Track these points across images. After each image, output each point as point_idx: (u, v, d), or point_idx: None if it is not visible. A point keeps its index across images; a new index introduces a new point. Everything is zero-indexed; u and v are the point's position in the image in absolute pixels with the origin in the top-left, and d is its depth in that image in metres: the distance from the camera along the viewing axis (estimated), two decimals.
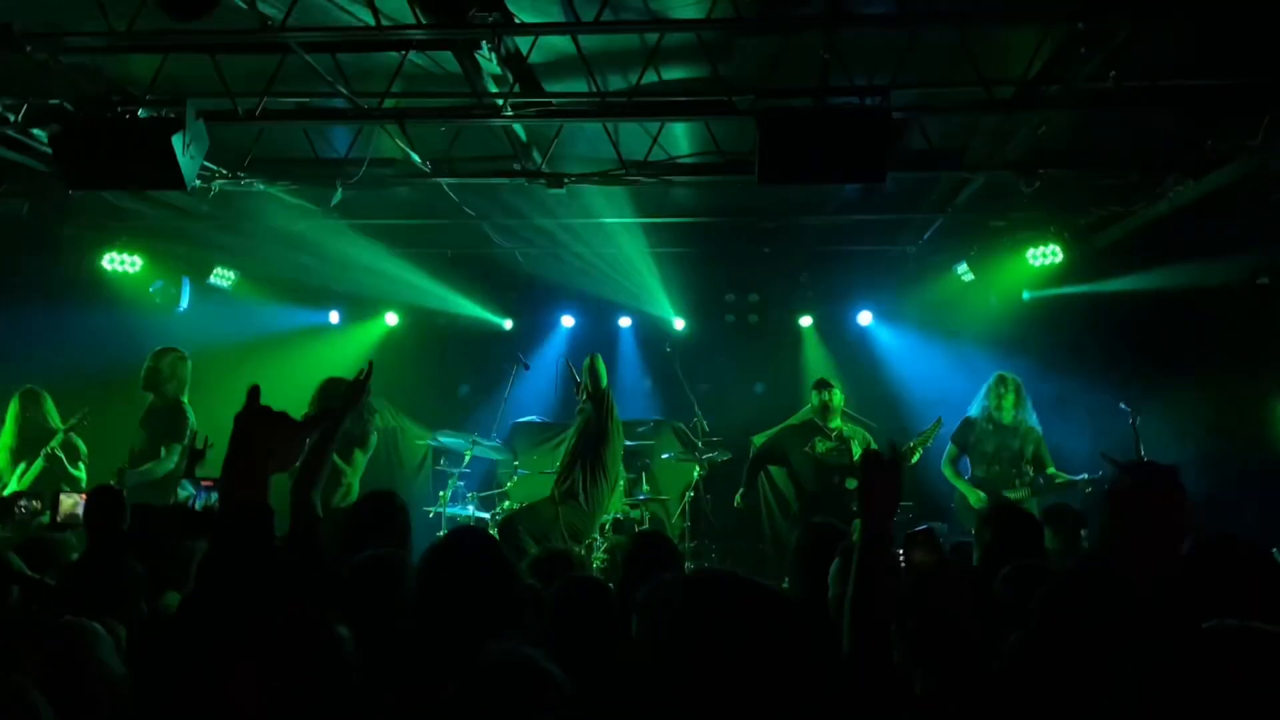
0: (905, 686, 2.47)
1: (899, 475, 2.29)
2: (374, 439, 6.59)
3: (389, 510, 3.96)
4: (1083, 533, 5.29)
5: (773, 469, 8.72)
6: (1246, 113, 6.07)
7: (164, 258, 9.22)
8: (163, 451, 6.91)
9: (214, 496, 3.49)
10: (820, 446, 7.63)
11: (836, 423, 7.68)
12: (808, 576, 3.59)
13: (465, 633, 2.42)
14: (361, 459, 6.43)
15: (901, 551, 2.56)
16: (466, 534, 2.95)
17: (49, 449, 6.95)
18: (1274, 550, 3.41)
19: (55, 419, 7.15)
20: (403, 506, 4.04)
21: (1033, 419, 7.54)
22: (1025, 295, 9.21)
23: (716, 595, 1.64)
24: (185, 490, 4.02)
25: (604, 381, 7.20)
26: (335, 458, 6.41)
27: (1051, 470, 7.41)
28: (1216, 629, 1.93)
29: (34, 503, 4.23)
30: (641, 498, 8.91)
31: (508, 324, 10.53)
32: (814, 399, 7.80)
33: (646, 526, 8.45)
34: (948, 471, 7.65)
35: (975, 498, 7.36)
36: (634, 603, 1.90)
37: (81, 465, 7.14)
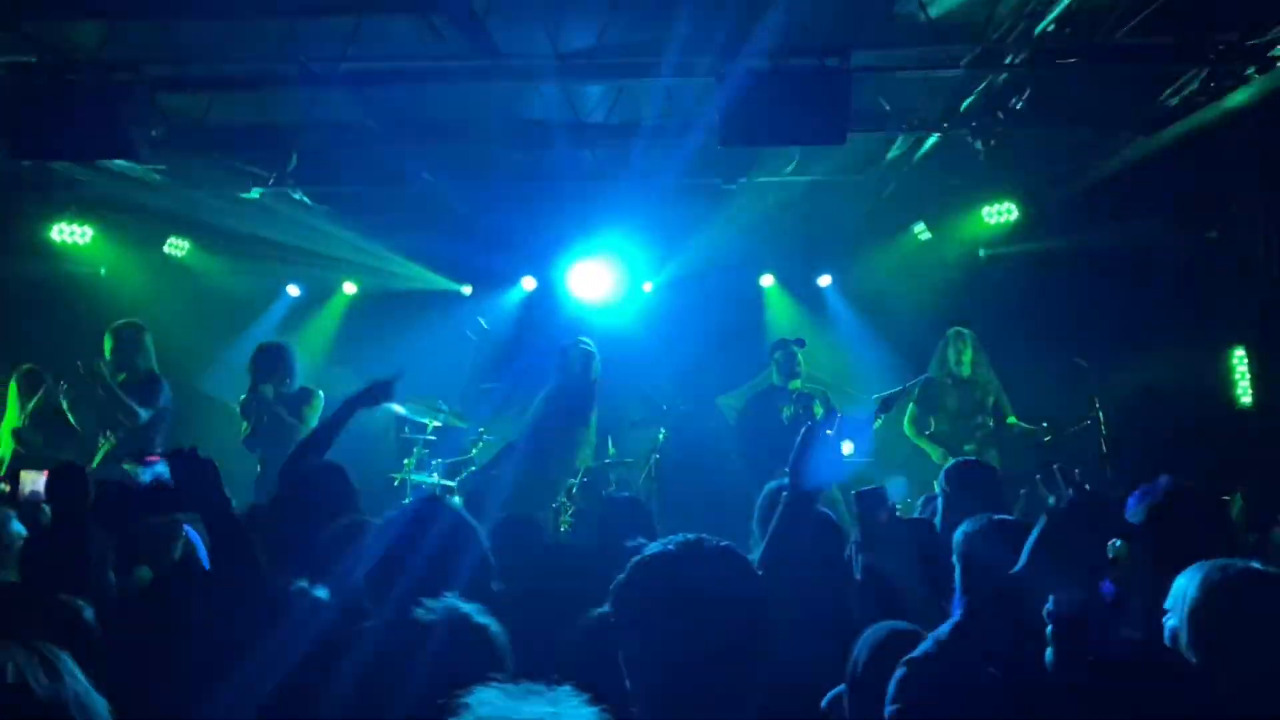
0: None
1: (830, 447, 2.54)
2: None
3: (339, 479, 3.88)
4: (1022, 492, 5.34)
5: (737, 430, 8.78)
6: (1194, 68, 6.16)
7: (115, 229, 9.03)
8: (142, 415, 6.85)
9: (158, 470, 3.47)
10: (786, 412, 7.69)
11: (795, 384, 7.75)
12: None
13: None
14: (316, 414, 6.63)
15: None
16: (426, 505, 2.99)
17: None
18: (1225, 498, 3.52)
19: (58, 399, 7.04)
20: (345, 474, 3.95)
21: (990, 371, 7.64)
22: (981, 253, 9.31)
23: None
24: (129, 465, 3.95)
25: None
26: None
27: (1011, 420, 7.53)
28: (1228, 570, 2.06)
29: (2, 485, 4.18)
30: (608, 460, 8.94)
31: (467, 289, 10.44)
32: (777, 357, 7.84)
33: (613, 489, 8.48)
34: (909, 431, 7.73)
35: (936, 454, 7.46)
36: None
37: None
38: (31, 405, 6.95)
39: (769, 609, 1.77)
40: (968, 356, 7.57)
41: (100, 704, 1.56)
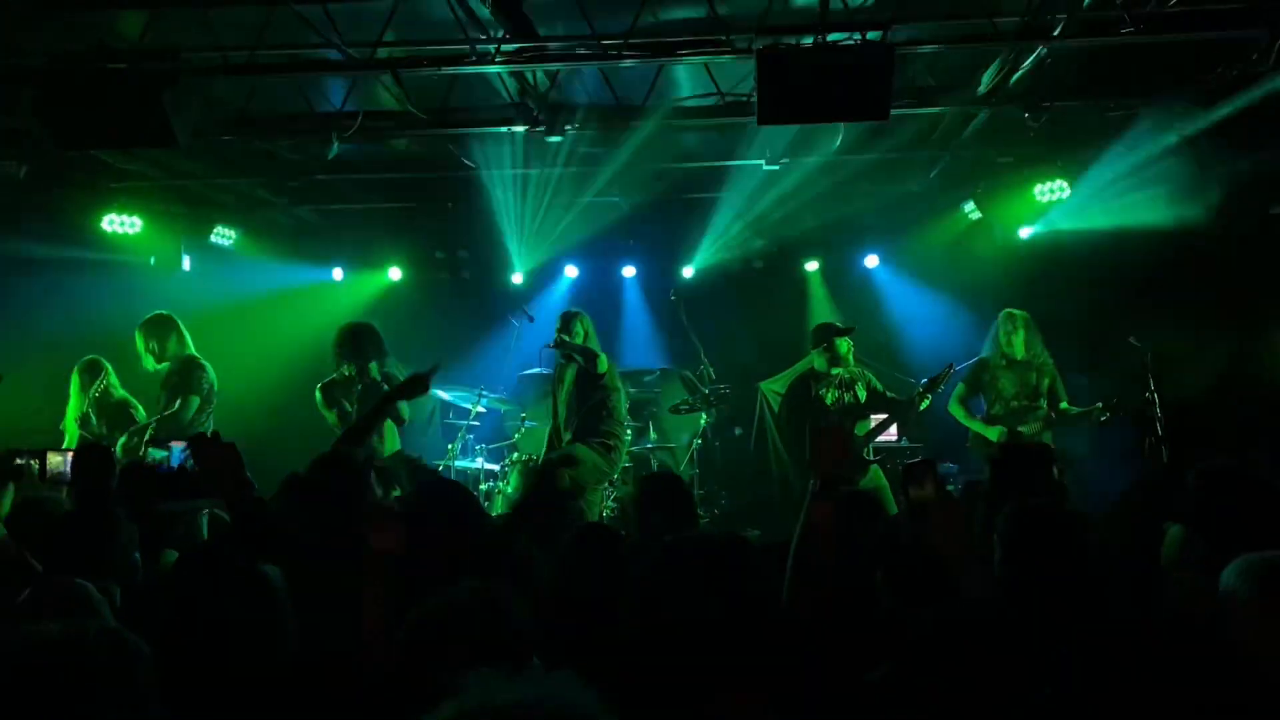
0: (894, 630, 2.47)
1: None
2: None
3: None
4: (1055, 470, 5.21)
5: (781, 415, 8.68)
6: (1258, 34, 5.92)
7: (163, 218, 9.16)
8: (178, 403, 6.89)
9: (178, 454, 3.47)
10: (830, 397, 7.57)
11: (839, 370, 7.61)
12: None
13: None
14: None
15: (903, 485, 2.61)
16: (439, 486, 2.99)
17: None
18: None
19: (118, 389, 7.14)
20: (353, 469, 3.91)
21: (1045, 353, 7.46)
22: (1031, 231, 9.09)
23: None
24: (158, 453, 3.95)
25: (580, 339, 7.18)
26: None
27: (1065, 405, 7.35)
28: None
29: (32, 461, 4.20)
30: (649, 446, 8.91)
31: (517, 277, 10.44)
32: (823, 343, 7.70)
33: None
34: (957, 411, 7.57)
35: (996, 433, 7.28)
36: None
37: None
38: (92, 391, 7.03)
39: (775, 602, 1.81)
40: (1019, 337, 7.40)
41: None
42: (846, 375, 7.60)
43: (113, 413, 7.03)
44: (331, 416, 6.70)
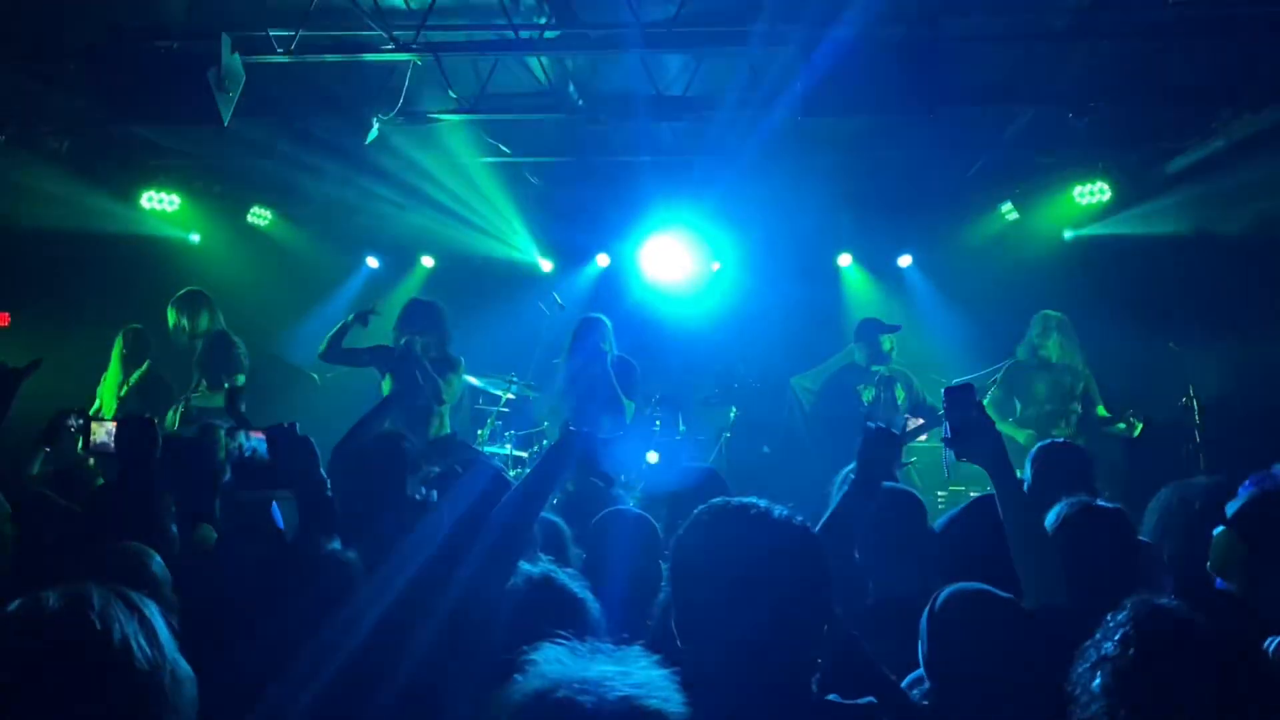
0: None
1: (897, 449, 2.96)
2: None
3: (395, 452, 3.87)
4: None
5: (807, 411, 8.64)
6: None
7: (202, 196, 9.23)
8: (225, 382, 6.87)
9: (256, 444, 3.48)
10: (868, 394, 7.52)
11: (879, 367, 7.55)
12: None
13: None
14: (458, 385, 6.71)
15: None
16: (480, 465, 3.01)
17: (123, 391, 6.97)
18: None
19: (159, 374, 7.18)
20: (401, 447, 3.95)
21: (1080, 357, 7.38)
22: (1070, 234, 8.99)
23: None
24: (232, 438, 3.89)
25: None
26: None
27: (1100, 410, 7.27)
28: None
29: (79, 420, 4.22)
30: (678, 438, 8.88)
31: (547, 265, 10.43)
32: (867, 338, 7.61)
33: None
34: (991, 415, 7.49)
35: (1024, 435, 7.22)
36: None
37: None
38: (135, 377, 7.07)
39: (828, 575, 1.78)
40: (1053, 340, 7.32)
41: (188, 674, 1.54)
42: (886, 373, 7.54)
43: (152, 390, 7.06)
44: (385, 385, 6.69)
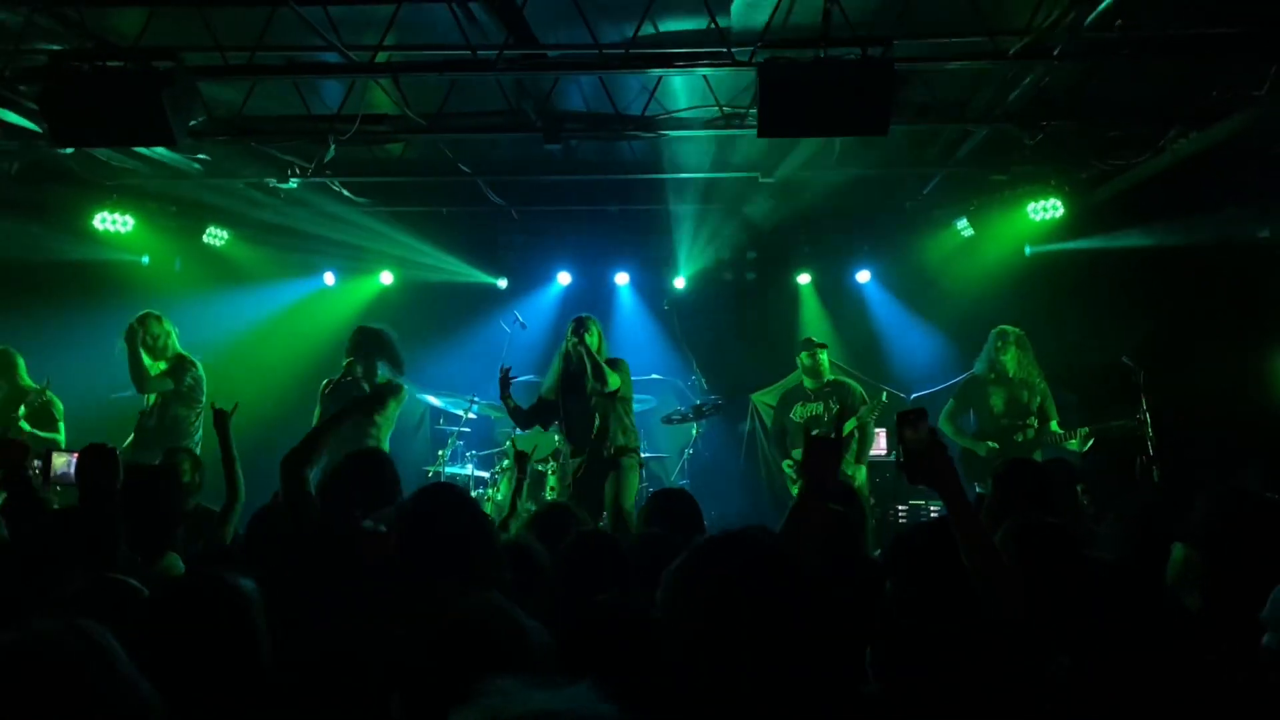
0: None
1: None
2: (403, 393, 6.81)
3: (375, 468, 3.91)
4: (1079, 488, 5.26)
5: (769, 427, 8.73)
6: (1252, 62, 5.97)
7: (156, 217, 9.10)
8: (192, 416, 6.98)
9: None
10: (798, 414, 7.76)
11: (810, 383, 7.77)
12: None
13: (441, 587, 2.44)
14: (395, 410, 6.66)
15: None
16: (441, 490, 3.00)
17: (20, 413, 6.86)
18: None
19: (26, 379, 7.07)
20: (389, 463, 3.99)
21: (1037, 371, 7.51)
22: (1027, 250, 9.13)
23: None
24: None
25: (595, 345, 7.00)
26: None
27: (1055, 426, 7.39)
28: None
29: (36, 464, 4.14)
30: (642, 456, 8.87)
31: (502, 282, 10.42)
32: (803, 358, 7.81)
33: (645, 485, 8.42)
34: (946, 427, 7.60)
35: (984, 448, 7.33)
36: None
37: (59, 425, 7.05)
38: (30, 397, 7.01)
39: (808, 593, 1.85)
40: (1009, 354, 7.45)
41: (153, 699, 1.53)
42: (824, 389, 7.70)
43: (40, 412, 6.98)
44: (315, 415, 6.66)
